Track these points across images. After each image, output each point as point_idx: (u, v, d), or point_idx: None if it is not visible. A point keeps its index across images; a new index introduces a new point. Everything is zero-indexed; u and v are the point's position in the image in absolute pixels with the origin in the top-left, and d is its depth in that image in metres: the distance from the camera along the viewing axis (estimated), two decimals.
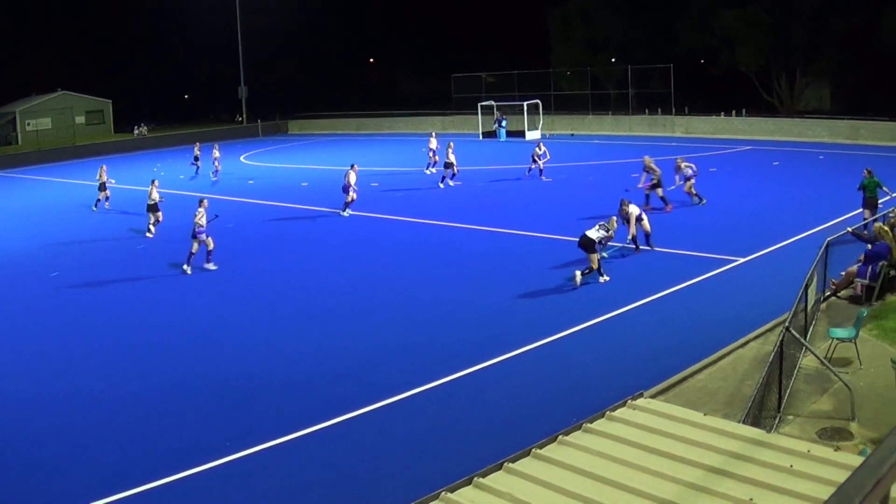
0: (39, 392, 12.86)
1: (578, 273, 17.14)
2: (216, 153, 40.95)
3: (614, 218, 18.41)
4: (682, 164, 26.49)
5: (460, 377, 12.60)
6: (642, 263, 18.84)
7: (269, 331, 15.34)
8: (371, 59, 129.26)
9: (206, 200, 20.84)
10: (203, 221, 20.02)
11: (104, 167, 33.09)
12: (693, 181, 25.91)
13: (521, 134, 53.79)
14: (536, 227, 23.44)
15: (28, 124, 77.51)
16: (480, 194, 30.39)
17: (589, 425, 5.44)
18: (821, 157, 37.86)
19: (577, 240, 17.81)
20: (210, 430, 11.16)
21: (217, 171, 39.77)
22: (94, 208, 31.95)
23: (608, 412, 5.61)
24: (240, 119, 79.46)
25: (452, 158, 32.61)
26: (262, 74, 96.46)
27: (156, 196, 26.12)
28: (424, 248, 21.68)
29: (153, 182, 27.01)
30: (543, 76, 63.98)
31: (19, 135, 77.12)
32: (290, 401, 12.04)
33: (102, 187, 32.06)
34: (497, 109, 56.13)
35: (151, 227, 25.91)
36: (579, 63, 65.92)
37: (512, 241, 21.93)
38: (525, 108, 54.31)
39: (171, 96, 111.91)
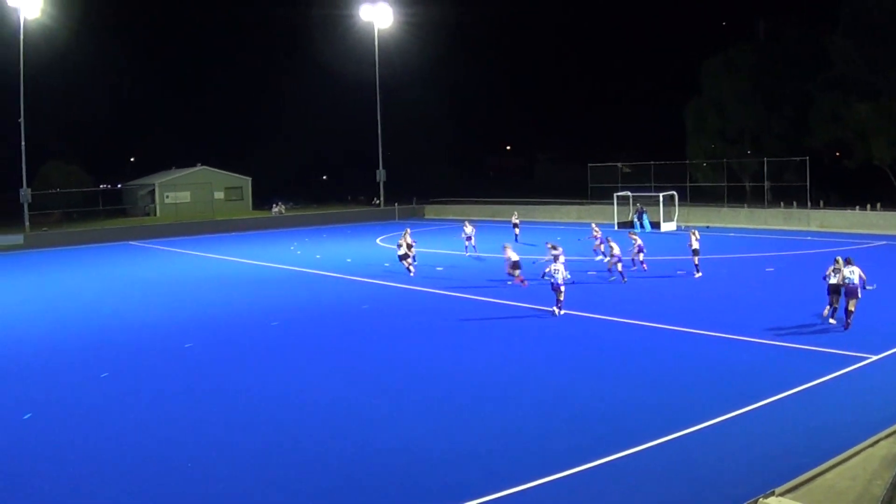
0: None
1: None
2: (468, 229, 40.56)
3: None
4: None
5: (580, 472, 12.40)
6: (770, 359, 18.20)
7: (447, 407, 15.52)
8: (508, 147, 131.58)
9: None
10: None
11: (408, 230, 36.24)
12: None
13: (657, 225, 53.22)
14: (666, 318, 22.98)
15: (167, 197, 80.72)
16: (621, 286, 30.03)
17: None
18: None
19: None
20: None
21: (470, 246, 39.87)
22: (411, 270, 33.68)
23: None
24: (377, 202, 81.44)
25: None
26: (400, 158, 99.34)
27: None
28: (548, 336, 21.52)
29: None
30: (679, 167, 63.45)
31: (157, 206, 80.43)
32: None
33: (406, 253, 33.70)
34: (637, 201, 55.85)
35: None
36: (715, 155, 65.22)
37: (642, 334, 21.55)
38: (661, 199, 53.79)
39: (309, 177, 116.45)
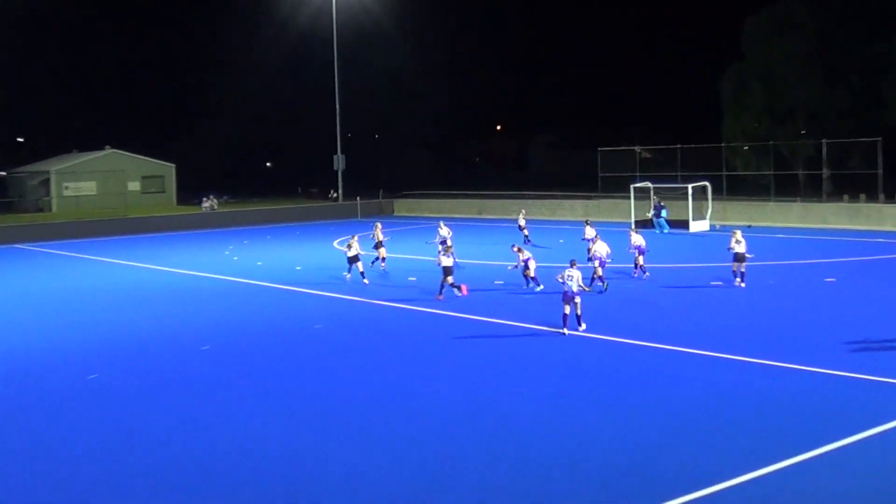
0: None
1: None
2: (443, 231, 41.17)
3: None
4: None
5: None
6: (835, 393, 17.78)
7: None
8: (498, 127, 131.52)
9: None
10: None
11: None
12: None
13: (684, 224, 53.02)
14: (701, 341, 22.60)
15: (66, 188, 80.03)
16: (647, 301, 29.73)
17: None
18: None
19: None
20: None
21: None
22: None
23: None
24: (335, 195, 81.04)
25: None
26: (364, 141, 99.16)
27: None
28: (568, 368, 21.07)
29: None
30: (713, 152, 63.37)
31: (54, 200, 79.61)
32: None
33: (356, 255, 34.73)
34: (655, 194, 55.60)
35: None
36: (759, 136, 65.04)
37: (673, 361, 21.15)
38: (690, 191, 53.60)
39: (250, 164, 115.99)
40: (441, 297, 30.24)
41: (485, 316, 27.29)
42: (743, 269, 31.40)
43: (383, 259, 38.18)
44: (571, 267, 24.48)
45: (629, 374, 19.95)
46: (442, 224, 42.09)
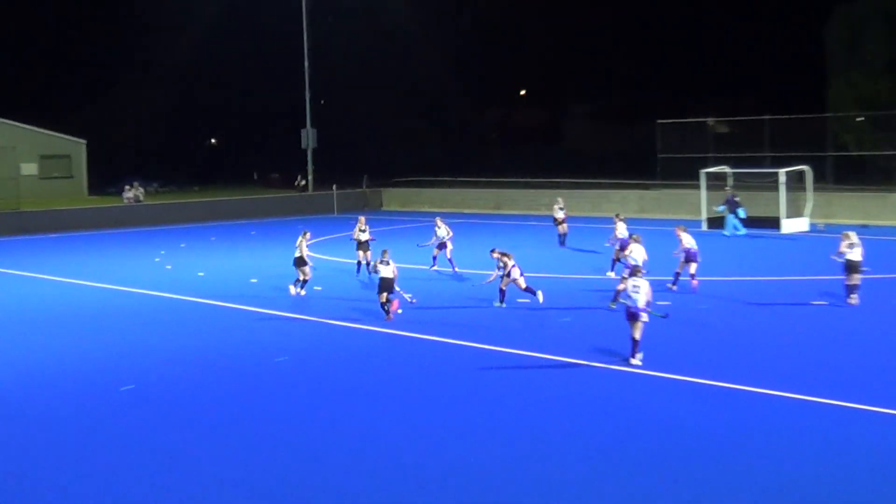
0: None
1: None
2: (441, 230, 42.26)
3: None
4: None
5: None
6: None
7: None
8: (523, 92, 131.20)
9: None
10: None
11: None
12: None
13: (774, 223, 52.87)
14: (808, 383, 22.44)
15: None
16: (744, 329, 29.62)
17: None
18: None
19: None
20: None
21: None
22: None
23: None
24: (302, 183, 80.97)
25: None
26: (342, 111, 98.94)
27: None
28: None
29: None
30: (814, 126, 63.18)
31: None
32: None
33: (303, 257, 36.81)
34: (727, 185, 55.48)
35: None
36: (879, 103, 64.72)
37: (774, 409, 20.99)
38: (782, 179, 53.49)
39: (187, 140, 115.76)
40: (390, 318, 31.39)
41: (514, 347, 27.29)
42: (857, 282, 31.23)
43: (368, 263, 39.46)
44: (635, 275, 24.80)
45: (716, 430, 19.79)
46: (439, 221, 42.54)
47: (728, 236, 51.32)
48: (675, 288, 34.26)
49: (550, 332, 29.04)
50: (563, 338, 28.13)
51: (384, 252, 32.27)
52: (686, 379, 23.34)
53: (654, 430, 19.64)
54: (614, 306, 29.56)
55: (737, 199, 53.62)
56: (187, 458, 18.94)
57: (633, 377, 23.59)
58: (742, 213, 52.88)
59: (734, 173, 56.27)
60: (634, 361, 24.40)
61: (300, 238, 37.04)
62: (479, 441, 19.36)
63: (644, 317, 24.31)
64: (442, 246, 41.25)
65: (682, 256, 34.39)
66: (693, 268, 34.16)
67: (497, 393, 22.81)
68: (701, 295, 33.41)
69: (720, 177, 56.51)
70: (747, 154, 61.60)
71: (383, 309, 31.62)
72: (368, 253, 40.58)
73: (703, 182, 55.85)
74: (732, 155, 60.71)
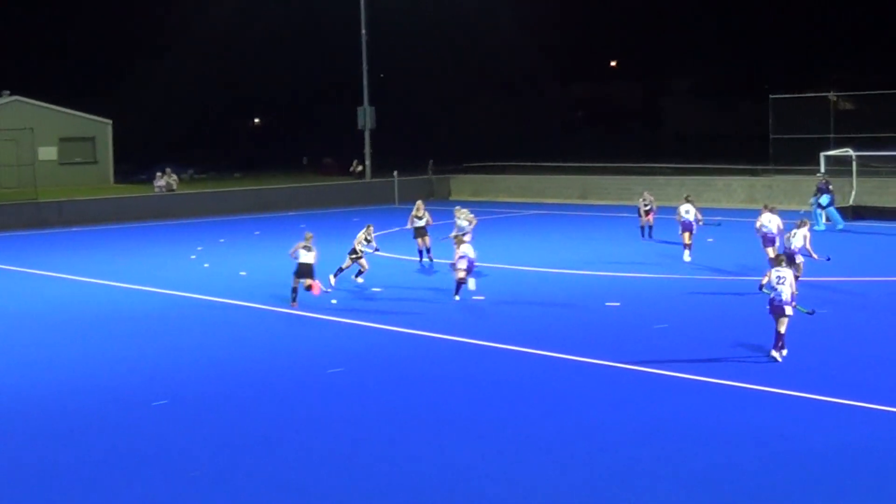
0: None
1: None
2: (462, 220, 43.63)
3: None
4: None
5: None
6: None
7: None
8: (613, 63, 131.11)
9: None
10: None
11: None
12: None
13: (866, 213, 52.62)
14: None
15: None
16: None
17: None
18: None
19: None
20: None
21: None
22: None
23: None
24: (359, 168, 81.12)
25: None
26: (405, 87, 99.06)
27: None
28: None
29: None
30: None
31: None
32: None
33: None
34: (823, 169, 55.15)
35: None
36: None
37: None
38: None
39: (227, 121, 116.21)
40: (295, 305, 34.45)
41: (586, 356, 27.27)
42: None
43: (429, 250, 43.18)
44: (779, 265, 25.63)
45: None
46: (460, 210, 43.78)
47: (841, 230, 50.91)
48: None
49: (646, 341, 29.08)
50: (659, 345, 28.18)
51: (308, 237, 34.67)
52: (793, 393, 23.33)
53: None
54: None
55: (828, 185, 53.24)
56: (222, 474, 19.23)
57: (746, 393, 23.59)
58: (825, 200, 52.54)
59: (857, 156, 55.87)
60: (775, 354, 25.52)
61: (363, 231, 39.19)
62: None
63: (789, 310, 25.11)
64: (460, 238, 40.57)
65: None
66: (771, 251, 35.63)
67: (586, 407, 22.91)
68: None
69: (844, 161, 56.13)
70: (874, 133, 61.19)
71: (292, 294, 34.51)
72: (427, 238, 43.38)
73: (822, 166, 55.52)
74: (857, 136, 60.34)
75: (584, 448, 20.25)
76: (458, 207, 43.74)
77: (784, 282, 25.08)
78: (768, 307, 25.50)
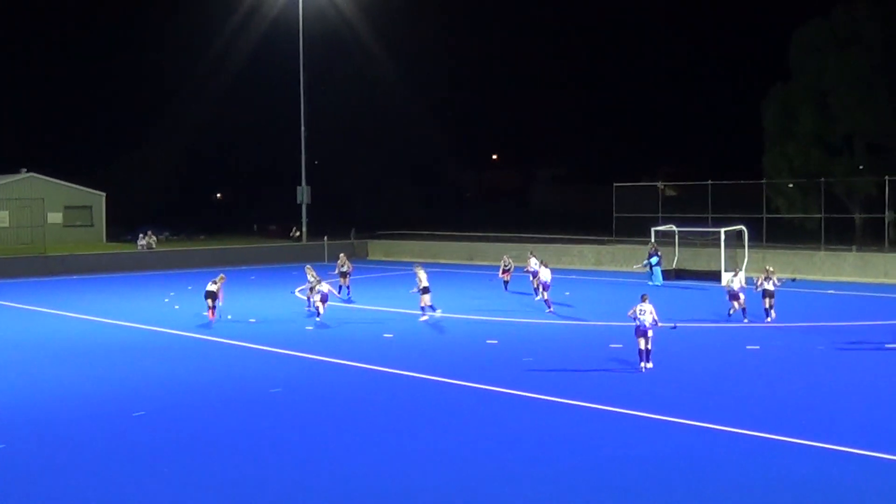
0: None
1: None
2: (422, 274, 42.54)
3: None
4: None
5: None
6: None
7: None
8: (495, 156, 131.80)
9: None
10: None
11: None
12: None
13: (714, 276, 53.06)
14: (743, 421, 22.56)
15: None
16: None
17: None
18: None
19: None
20: None
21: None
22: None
23: None
24: (297, 234, 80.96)
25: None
26: (333, 170, 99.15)
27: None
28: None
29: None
30: (751, 190, 63.69)
31: None
32: None
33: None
34: (654, 238, 55.86)
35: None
36: (807, 171, 65.11)
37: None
38: (723, 237, 53.75)
39: (196, 195, 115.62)
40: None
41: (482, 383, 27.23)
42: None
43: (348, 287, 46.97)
44: (643, 302, 28.30)
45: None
46: (419, 267, 42.51)
47: (658, 286, 51.37)
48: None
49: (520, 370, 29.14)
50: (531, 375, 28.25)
51: (220, 277, 40.57)
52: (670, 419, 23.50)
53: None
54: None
55: (657, 252, 54.21)
56: (191, 471, 19.14)
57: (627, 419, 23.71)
58: (657, 263, 53.56)
59: (679, 231, 56.54)
60: (645, 366, 27.98)
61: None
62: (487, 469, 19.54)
63: (650, 332, 27.91)
64: (425, 290, 40.74)
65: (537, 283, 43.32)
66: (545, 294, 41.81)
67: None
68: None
69: (668, 234, 56.78)
70: (692, 214, 61.92)
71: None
72: (347, 279, 48.46)
73: (652, 238, 56.12)
74: (679, 215, 60.99)
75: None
76: (417, 265, 43.60)
77: (645, 312, 27.88)
78: (635, 331, 27.97)
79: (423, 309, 39.96)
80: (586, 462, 19.31)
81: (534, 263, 44.89)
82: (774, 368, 29.07)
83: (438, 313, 39.43)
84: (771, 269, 38.37)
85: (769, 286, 37.08)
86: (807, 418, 22.48)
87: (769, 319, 37.03)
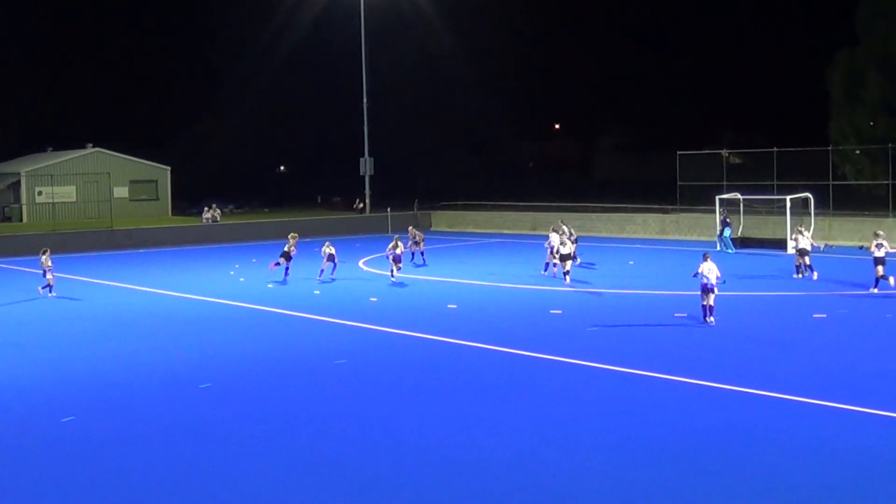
0: None
1: None
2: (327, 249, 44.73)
3: None
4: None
5: None
6: None
7: None
8: (557, 126, 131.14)
9: None
10: None
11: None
12: None
13: (780, 244, 52.42)
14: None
15: (39, 193, 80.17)
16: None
17: None
18: None
19: None
20: None
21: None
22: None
23: None
24: (361, 206, 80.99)
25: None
26: (396, 143, 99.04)
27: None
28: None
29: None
30: (817, 157, 62.78)
31: (24, 208, 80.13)
32: None
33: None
34: (721, 205, 55.25)
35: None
36: (875, 137, 64.20)
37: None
38: (788, 205, 53.11)
39: (260, 168, 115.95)
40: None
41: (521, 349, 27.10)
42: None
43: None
44: (705, 260, 29.74)
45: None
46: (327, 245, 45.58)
47: (730, 253, 51.06)
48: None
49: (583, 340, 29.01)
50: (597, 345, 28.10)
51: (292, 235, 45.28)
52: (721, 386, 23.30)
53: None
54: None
55: (728, 221, 53.73)
56: (265, 443, 19.08)
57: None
58: (728, 232, 53.09)
59: (744, 199, 55.98)
60: (709, 319, 29.56)
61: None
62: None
63: (716, 290, 29.52)
64: (397, 259, 43.22)
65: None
66: (567, 265, 40.68)
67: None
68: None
69: (733, 202, 56.24)
70: (757, 182, 61.27)
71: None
72: (422, 245, 50.47)
73: (717, 207, 55.59)
74: (744, 183, 60.39)
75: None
76: (396, 238, 44.94)
77: (712, 271, 29.27)
78: (701, 288, 29.56)
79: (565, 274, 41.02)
80: (651, 431, 19.09)
81: (555, 239, 42.80)
82: (842, 337, 28.77)
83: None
84: (882, 233, 37.21)
85: (880, 253, 35.43)
86: (875, 387, 22.12)
87: (875, 290, 35.81)
